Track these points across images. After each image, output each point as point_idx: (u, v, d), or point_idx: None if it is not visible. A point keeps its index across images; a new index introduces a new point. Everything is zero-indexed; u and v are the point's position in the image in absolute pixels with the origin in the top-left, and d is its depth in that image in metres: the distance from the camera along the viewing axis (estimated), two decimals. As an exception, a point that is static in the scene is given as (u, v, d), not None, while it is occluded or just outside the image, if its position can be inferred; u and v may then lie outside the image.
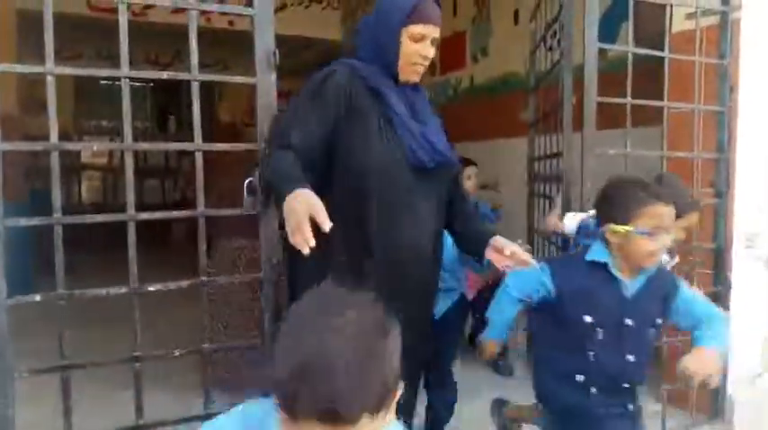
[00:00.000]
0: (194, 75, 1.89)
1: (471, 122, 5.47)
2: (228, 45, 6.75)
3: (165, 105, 11.23)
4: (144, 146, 2.10)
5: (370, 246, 1.67)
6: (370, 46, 1.76)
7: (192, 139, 1.92)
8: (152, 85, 10.84)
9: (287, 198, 1.31)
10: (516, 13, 5.02)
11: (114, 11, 1.80)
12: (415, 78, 1.78)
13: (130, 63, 1.82)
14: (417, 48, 1.71)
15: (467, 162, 3.30)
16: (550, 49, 3.35)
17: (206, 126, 1.92)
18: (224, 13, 6.77)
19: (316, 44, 7.91)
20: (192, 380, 2.85)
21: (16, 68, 2.03)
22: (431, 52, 1.74)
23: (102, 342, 2.73)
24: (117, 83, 1.80)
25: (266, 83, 1.96)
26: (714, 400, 2.87)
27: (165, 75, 1.96)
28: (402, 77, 1.76)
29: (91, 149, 10.98)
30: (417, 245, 1.73)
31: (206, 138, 1.93)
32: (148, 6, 6.38)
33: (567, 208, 2.67)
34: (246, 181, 2.00)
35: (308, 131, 1.63)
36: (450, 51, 5.95)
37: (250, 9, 1.95)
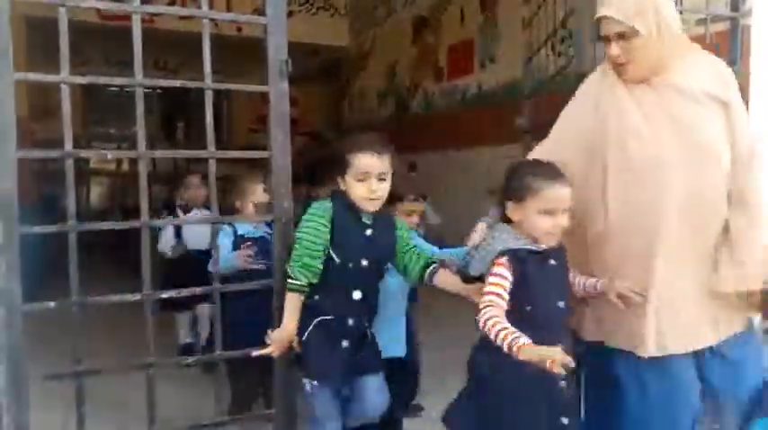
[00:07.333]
0: (207, 83, 1.90)
1: (479, 127, 5.49)
2: (239, 52, 6.77)
3: (172, 111, 11.26)
4: (158, 153, 2.11)
5: None
6: None
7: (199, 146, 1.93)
8: (159, 91, 10.88)
9: None
10: (524, 20, 5.02)
11: (124, 18, 1.81)
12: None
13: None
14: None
15: None
16: (559, 54, 3.35)
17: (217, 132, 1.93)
18: (233, 20, 6.82)
19: (323, 51, 7.94)
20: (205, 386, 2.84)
21: (31, 77, 2.05)
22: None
23: (116, 346, 2.73)
24: (126, 89, 1.81)
25: (279, 91, 1.96)
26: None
27: (178, 83, 1.97)
28: None
29: (104, 156, 11.01)
30: None
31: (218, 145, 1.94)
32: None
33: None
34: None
35: None
36: (458, 58, 5.98)
37: (263, 18, 1.96)
